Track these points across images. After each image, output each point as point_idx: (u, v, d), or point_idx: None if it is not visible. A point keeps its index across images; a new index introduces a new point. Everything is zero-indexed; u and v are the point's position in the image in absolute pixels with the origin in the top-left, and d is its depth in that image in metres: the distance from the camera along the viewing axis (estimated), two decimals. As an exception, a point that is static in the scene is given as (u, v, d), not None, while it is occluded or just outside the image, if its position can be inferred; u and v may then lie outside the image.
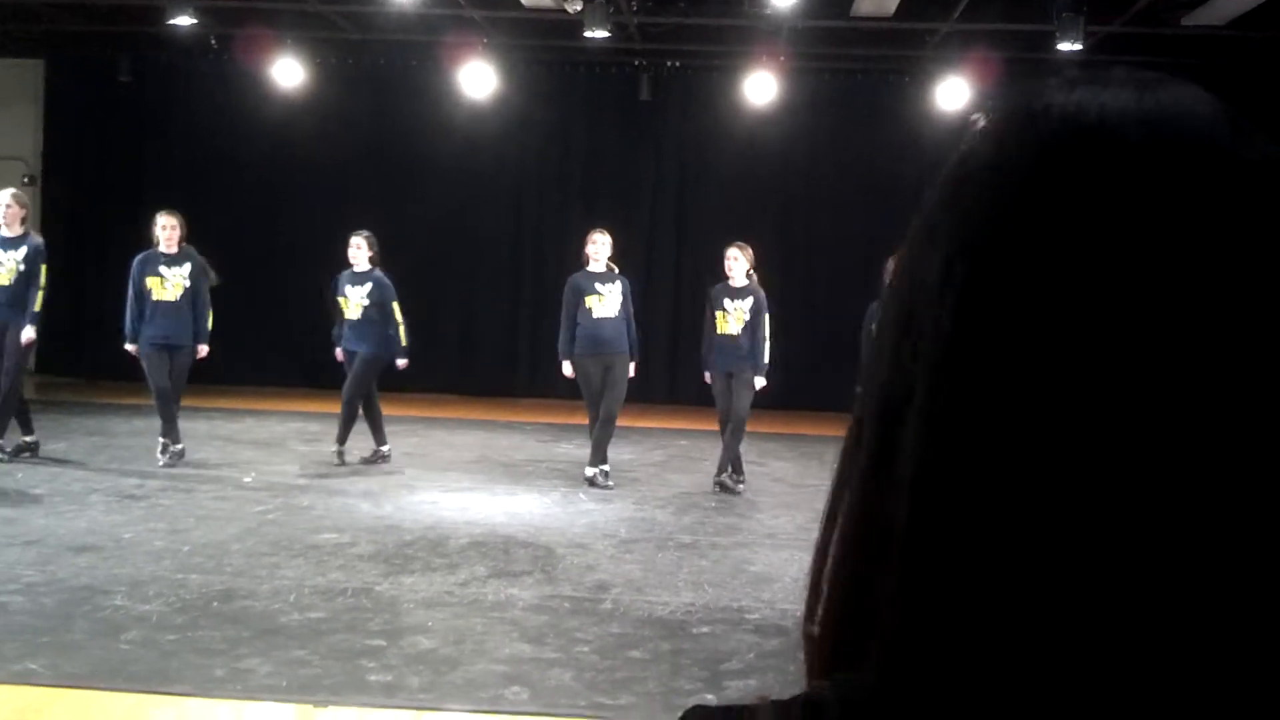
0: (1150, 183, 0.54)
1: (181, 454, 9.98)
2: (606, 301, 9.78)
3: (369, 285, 10.23)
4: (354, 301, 10.23)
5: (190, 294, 9.95)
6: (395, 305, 10.28)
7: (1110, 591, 0.53)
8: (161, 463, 9.83)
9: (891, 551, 0.58)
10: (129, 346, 10.01)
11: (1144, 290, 0.53)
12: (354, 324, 10.24)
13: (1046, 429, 0.53)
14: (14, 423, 9.84)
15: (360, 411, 10.26)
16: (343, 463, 10.15)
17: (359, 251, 10.30)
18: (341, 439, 10.25)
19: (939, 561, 0.56)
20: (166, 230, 10.01)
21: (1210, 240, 0.54)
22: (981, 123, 0.61)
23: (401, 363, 10.37)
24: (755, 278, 9.83)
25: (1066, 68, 0.63)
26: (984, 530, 0.54)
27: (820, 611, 0.64)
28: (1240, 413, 0.53)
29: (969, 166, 0.60)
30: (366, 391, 10.26)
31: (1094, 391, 0.53)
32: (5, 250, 9.84)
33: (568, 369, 9.91)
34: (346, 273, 10.36)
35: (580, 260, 10.11)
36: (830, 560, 0.64)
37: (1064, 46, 11.46)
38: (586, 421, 10.10)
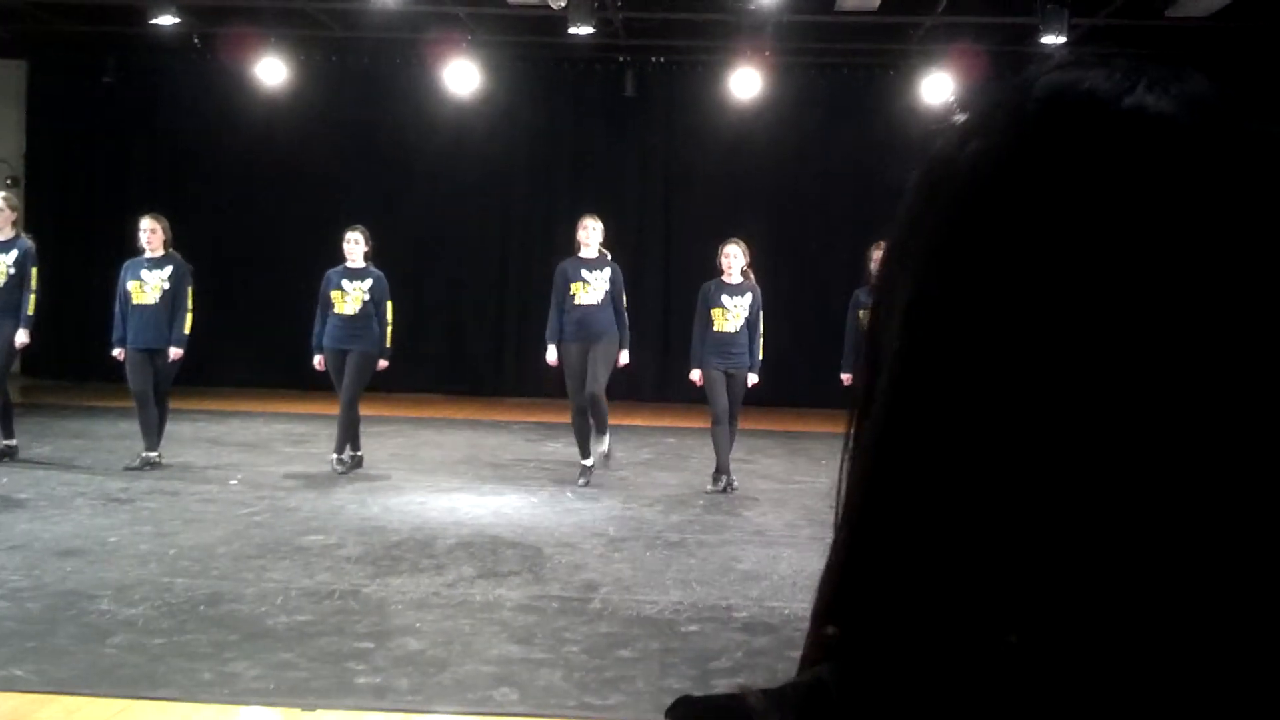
0: (1145, 159, 0.54)
1: (150, 462, 9.83)
2: (591, 289, 9.75)
3: (370, 280, 10.03)
4: (353, 296, 9.97)
5: (170, 296, 9.87)
6: (389, 304, 10.14)
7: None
8: (125, 464, 9.76)
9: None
10: (116, 351, 9.96)
11: (1150, 269, 0.52)
12: (349, 320, 9.95)
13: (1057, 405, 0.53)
14: None
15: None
16: (346, 470, 9.95)
17: (356, 247, 10.09)
18: (341, 447, 10.02)
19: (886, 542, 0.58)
20: (146, 234, 9.96)
21: (1211, 214, 0.53)
22: (962, 120, 0.60)
23: (383, 364, 10.14)
24: (751, 275, 9.81)
25: (1044, 59, 0.62)
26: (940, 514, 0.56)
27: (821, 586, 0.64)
28: (1233, 393, 0.52)
29: (962, 157, 0.58)
30: (362, 392, 10.12)
31: (1095, 358, 0.53)
32: None
33: (551, 355, 9.86)
34: (340, 268, 10.13)
35: (572, 247, 10.08)
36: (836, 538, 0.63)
37: (1048, 39, 11.48)
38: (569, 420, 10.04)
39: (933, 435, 0.56)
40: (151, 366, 9.86)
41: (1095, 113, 0.55)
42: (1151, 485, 0.52)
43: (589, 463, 9.86)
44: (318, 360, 10.11)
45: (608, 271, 9.84)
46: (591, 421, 9.82)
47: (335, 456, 10.01)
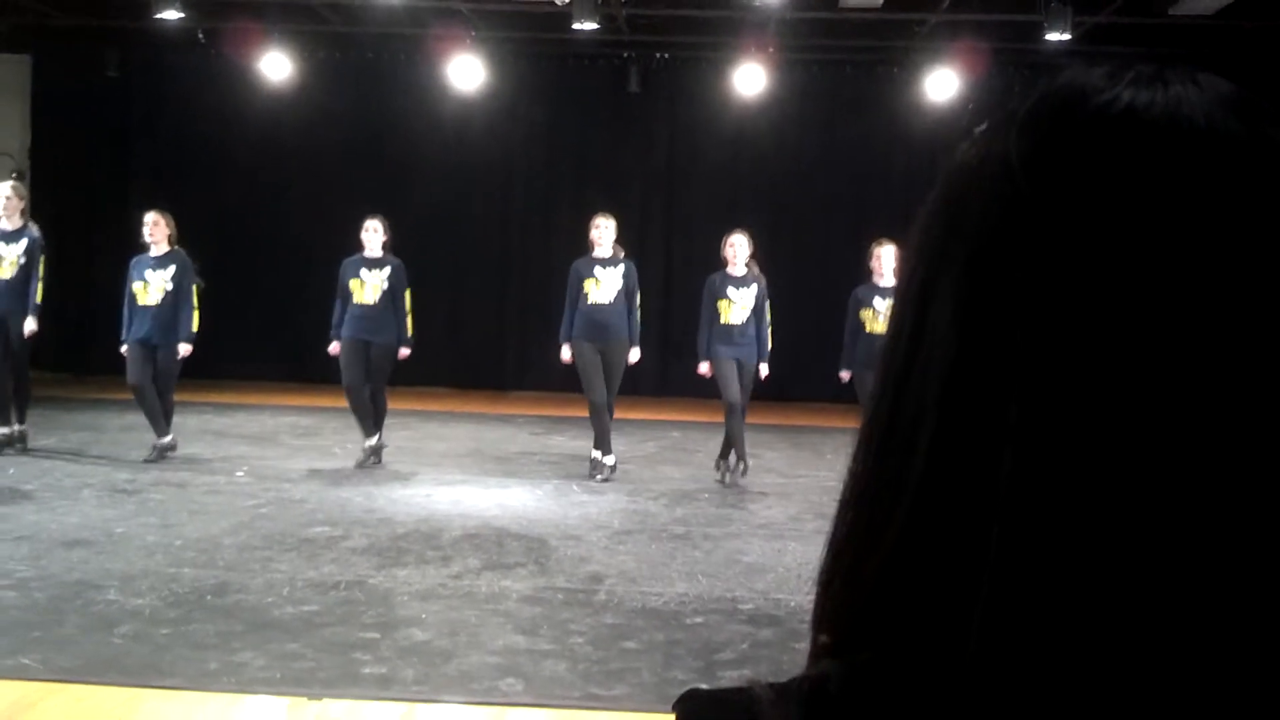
0: (1184, 174, 0.54)
1: (166, 448, 9.88)
2: (604, 287, 9.69)
3: (388, 269, 9.95)
4: (372, 285, 9.89)
5: (173, 296, 9.84)
6: (407, 293, 10.05)
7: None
8: (144, 457, 9.78)
9: (890, 527, 0.59)
10: (124, 349, 9.95)
11: (1183, 276, 0.53)
12: (369, 310, 9.85)
13: (1128, 414, 0.53)
14: None
15: (353, 404, 10.03)
16: (366, 460, 9.94)
17: (374, 235, 9.98)
18: (378, 430, 10.03)
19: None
20: (149, 227, 9.94)
21: (1245, 231, 0.53)
22: (991, 125, 0.61)
23: (405, 352, 10.09)
24: (754, 265, 9.79)
25: (1061, 59, 0.61)
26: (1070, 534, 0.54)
27: (826, 584, 0.64)
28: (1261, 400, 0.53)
29: (993, 162, 0.59)
30: (387, 381, 10.10)
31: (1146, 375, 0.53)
32: (5, 244, 9.85)
33: (565, 354, 9.80)
34: (357, 257, 10.03)
35: (578, 243, 10.04)
36: (840, 540, 0.64)
37: (1052, 37, 11.48)
38: (586, 413, 9.94)
39: (999, 437, 0.55)
40: (151, 361, 9.84)
41: (1104, 117, 0.56)
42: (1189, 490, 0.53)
43: (610, 461, 9.83)
44: (333, 346, 10.03)
45: (621, 268, 9.76)
46: (594, 425, 9.83)
47: (376, 444, 10.00)
